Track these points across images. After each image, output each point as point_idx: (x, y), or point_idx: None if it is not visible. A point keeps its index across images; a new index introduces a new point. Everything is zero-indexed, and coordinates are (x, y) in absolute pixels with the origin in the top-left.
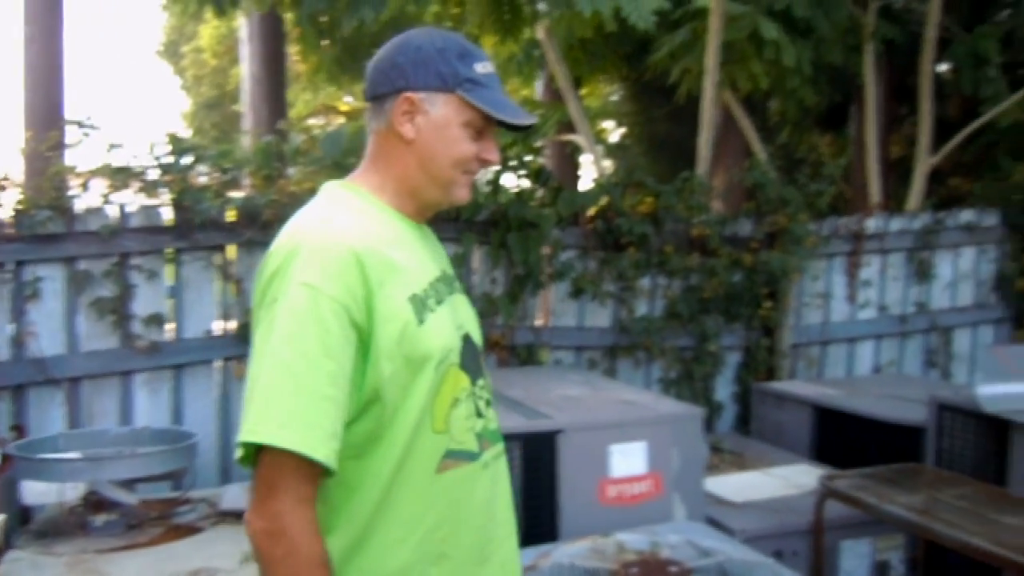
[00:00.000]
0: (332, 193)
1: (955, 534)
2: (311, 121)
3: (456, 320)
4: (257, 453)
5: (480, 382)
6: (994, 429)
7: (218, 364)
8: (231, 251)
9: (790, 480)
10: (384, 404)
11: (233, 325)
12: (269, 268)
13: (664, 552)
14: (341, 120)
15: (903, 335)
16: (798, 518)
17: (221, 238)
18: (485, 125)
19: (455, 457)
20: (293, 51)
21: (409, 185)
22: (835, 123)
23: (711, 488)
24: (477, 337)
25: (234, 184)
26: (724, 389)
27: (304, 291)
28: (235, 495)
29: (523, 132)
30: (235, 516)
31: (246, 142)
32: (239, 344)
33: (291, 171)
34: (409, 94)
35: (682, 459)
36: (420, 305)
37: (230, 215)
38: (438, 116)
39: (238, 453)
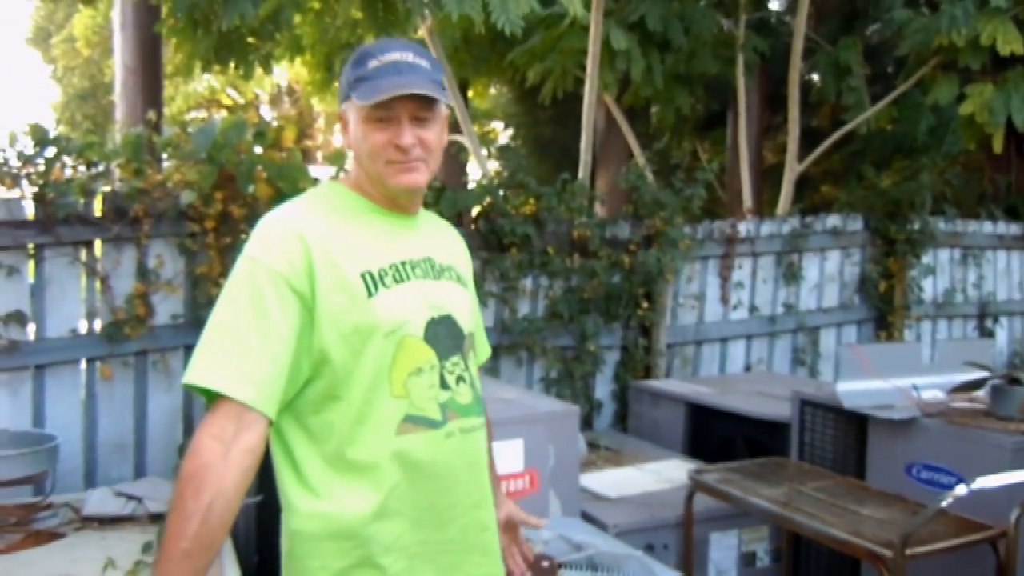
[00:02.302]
0: (315, 188)
1: (815, 525)
2: (192, 115)
3: (428, 299)
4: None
5: (454, 359)
6: (853, 424)
7: (84, 364)
8: (99, 247)
9: (663, 475)
10: (334, 365)
11: (99, 324)
12: None
13: (536, 547)
14: (224, 113)
15: (772, 335)
16: (669, 512)
17: (87, 233)
18: (390, 114)
19: (414, 422)
20: (168, 40)
21: (363, 182)
22: (714, 130)
23: (587, 484)
24: (464, 322)
25: (105, 178)
26: (603, 387)
27: (246, 263)
28: (99, 500)
29: (430, 101)
30: (98, 522)
31: (117, 134)
32: (106, 344)
33: (165, 165)
34: (339, 111)
35: (558, 456)
36: (372, 281)
37: (97, 210)
38: (351, 121)
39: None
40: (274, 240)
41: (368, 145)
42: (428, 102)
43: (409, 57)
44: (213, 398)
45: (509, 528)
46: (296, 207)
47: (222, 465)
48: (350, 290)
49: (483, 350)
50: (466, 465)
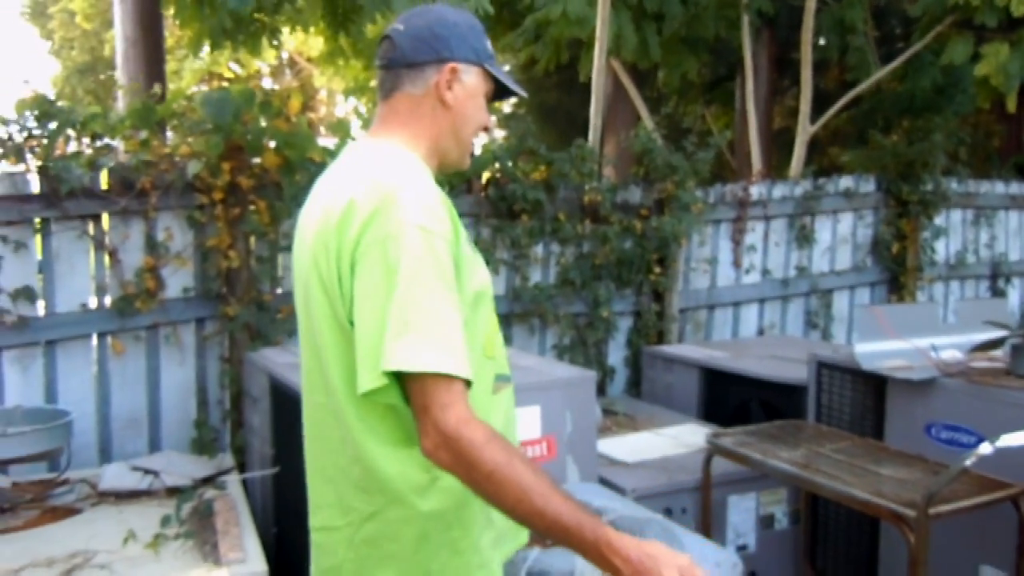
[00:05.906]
0: (393, 150)
1: (835, 485)
2: (194, 89)
3: None
4: (401, 384)
5: None
6: (871, 385)
7: (95, 339)
8: (106, 221)
9: (679, 439)
10: (465, 330)
11: (109, 299)
12: (361, 213)
13: None
14: (225, 86)
15: (785, 298)
16: (687, 476)
17: (94, 207)
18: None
19: (502, 380)
20: (170, 16)
21: (440, 146)
22: (721, 94)
23: (604, 449)
24: None
25: (110, 152)
26: (616, 353)
27: (419, 232)
28: (115, 474)
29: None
30: (115, 496)
31: (120, 105)
32: (117, 318)
33: (169, 136)
34: (454, 64)
35: (575, 422)
36: (473, 246)
37: (104, 183)
38: (472, 86)
39: (370, 384)
40: (435, 208)
41: (481, 120)
42: None
43: None
44: (412, 375)
45: None
46: (418, 172)
47: (493, 443)
48: (470, 255)
49: None
50: None
